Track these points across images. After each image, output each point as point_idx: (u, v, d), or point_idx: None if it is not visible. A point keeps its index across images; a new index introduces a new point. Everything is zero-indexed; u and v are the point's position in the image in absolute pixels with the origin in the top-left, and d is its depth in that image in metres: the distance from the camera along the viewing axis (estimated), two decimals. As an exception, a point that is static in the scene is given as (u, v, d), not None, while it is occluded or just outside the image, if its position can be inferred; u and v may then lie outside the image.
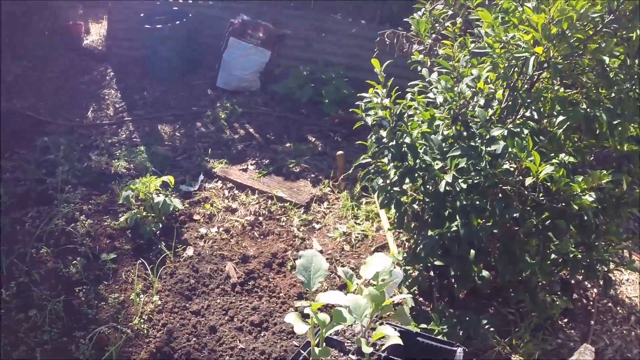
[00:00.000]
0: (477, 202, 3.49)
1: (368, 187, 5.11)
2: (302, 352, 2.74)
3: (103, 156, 5.53)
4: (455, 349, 2.82)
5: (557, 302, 3.77)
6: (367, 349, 2.50)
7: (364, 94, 3.89)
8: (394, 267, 3.00)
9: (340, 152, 5.26)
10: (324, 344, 2.73)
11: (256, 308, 3.98)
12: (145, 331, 3.77)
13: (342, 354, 2.86)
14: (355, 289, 2.93)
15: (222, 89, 6.87)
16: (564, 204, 3.37)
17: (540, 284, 3.74)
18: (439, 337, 3.54)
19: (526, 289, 3.74)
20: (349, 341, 2.95)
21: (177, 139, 5.98)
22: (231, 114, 6.33)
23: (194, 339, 3.73)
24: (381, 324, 2.97)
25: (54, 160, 5.39)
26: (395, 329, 2.91)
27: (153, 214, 4.63)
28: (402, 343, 2.40)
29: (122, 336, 3.69)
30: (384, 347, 2.65)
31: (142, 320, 3.82)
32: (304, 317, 2.74)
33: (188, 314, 3.91)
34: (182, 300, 4.01)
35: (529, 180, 3.26)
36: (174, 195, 4.87)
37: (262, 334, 3.82)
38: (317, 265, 2.83)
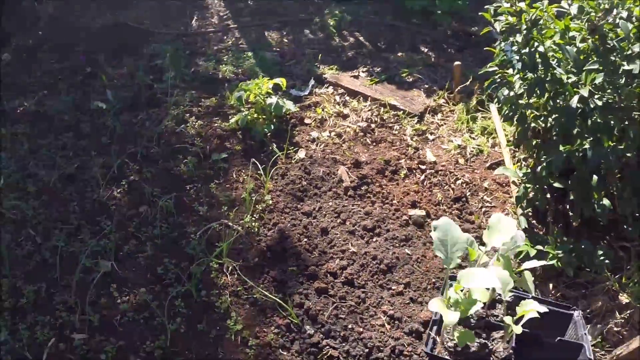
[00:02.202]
0: (612, 122, 3.15)
1: (484, 102, 4.81)
2: (431, 333, 2.49)
3: (210, 62, 5.41)
4: (571, 312, 2.50)
5: None
6: (517, 329, 2.23)
7: (495, -5, 3.58)
8: (517, 230, 2.67)
9: (457, 63, 4.91)
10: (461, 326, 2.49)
11: (369, 213, 3.80)
12: (256, 229, 3.66)
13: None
14: (478, 257, 2.66)
15: (330, -4, 6.58)
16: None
17: None
18: (554, 261, 3.31)
19: None
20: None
21: (285, 45, 5.78)
22: (340, 22, 6.05)
23: (305, 240, 3.59)
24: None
25: (161, 66, 5.31)
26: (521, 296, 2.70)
27: (264, 116, 4.49)
28: (539, 315, 2.12)
29: (233, 233, 3.59)
30: (522, 321, 2.34)
31: (253, 219, 3.72)
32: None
33: (299, 214, 3.78)
34: (294, 201, 3.87)
35: None
36: (286, 99, 4.69)
37: (374, 239, 3.65)
38: (454, 237, 2.52)
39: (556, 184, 3.50)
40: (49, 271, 3.51)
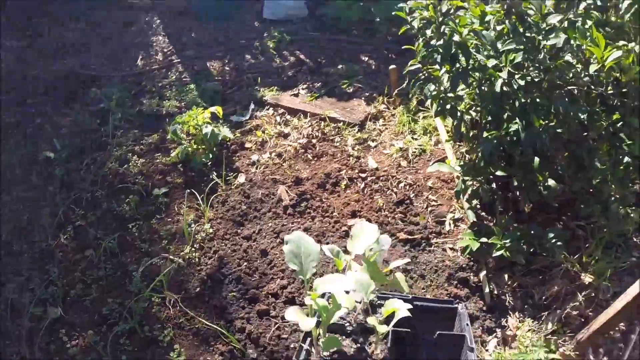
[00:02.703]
0: (538, 100, 3.16)
1: (424, 101, 4.82)
2: (303, 345, 2.46)
3: (154, 99, 5.45)
4: (455, 306, 2.50)
5: (632, 215, 3.36)
6: (382, 329, 2.21)
7: (407, -5, 3.61)
8: (379, 234, 2.63)
9: (392, 67, 4.95)
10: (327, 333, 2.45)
11: (308, 229, 3.81)
12: (197, 259, 3.69)
13: (344, 337, 2.56)
14: (345, 266, 2.64)
15: (270, 19, 6.63)
16: (636, 101, 3.00)
17: (613, 196, 3.34)
18: (501, 252, 3.29)
19: (598, 201, 3.37)
20: (344, 321, 2.62)
21: (227, 73, 5.83)
22: (280, 43, 6.10)
23: (245, 264, 3.62)
24: (378, 296, 2.67)
25: (107, 109, 5.36)
26: (393, 297, 2.65)
27: (204, 147, 4.52)
28: (410, 314, 2.11)
29: (174, 266, 3.63)
30: (393, 322, 2.32)
31: (193, 249, 3.75)
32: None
33: (239, 239, 3.80)
34: (234, 226, 3.91)
35: (593, 67, 2.94)
36: (225, 126, 4.73)
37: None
38: (307, 249, 2.50)
39: (499, 172, 3.45)
40: (2, 323, 3.57)
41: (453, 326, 2.45)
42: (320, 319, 2.24)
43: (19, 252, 4.05)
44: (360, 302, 2.37)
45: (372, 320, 2.06)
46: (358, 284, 2.27)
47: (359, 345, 2.37)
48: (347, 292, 2.32)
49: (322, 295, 2.34)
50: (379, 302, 2.56)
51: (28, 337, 3.46)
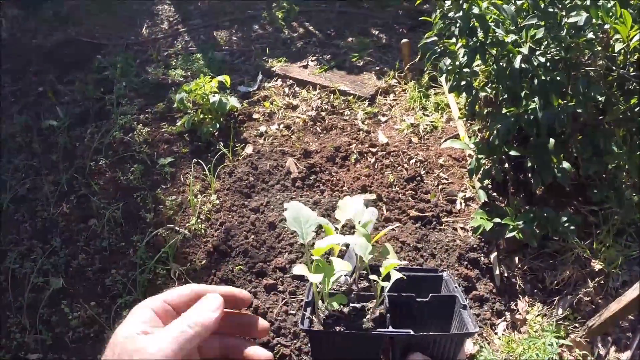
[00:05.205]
0: (558, 78, 3.03)
1: (437, 77, 4.70)
2: (305, 313, 2.40)
3: (159, 68, 5.33)
4: (441, 274, 2.43)
5: None
6: (384, 283, 2.13)
7: (425, -35, 3.47)
8: (367, 207, 2.55)
9: (405, 40, 4.82)
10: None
11: (317, 202, 3.72)
12: (203, 231, 3.60)
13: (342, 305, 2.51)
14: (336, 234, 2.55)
15: (279, -11, 6.50)
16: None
17: (627, 183, 3.27)
18: (514, 233, 3.19)
19: (611, 187, 3.27)
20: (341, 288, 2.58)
21: (234, 43, 5.70)
22: (289, 13, 5.97)
23: (252, 236, 3.52)
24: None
25: (112, 77, 5.23)
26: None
27: (210, 116, 4.40)
28: (405, 277, 2.02)
29: (179, 237, 3.53)
30: (388, 285, 2.25)
31: (199, 221, 3.65)
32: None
33: (247, 211, 3.71)
34: (241, 198, 3.81)
35: (618, 46, 2.81)
36: (233, 96, 4.61)
37: (322, 229, 3.57)
38: (306, 215, 2.44)
39: (512, 152, 3.34)
40: (3, 294, 3.48)
41: (439, 291, 2.40)
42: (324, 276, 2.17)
43: (20, 221, 3.96)
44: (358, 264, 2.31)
45: (373, 276, 1.96)
46: (360, 244, 2.16)
47: (357, 309, 2.31)
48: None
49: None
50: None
51: (29, 308, 3.39)
